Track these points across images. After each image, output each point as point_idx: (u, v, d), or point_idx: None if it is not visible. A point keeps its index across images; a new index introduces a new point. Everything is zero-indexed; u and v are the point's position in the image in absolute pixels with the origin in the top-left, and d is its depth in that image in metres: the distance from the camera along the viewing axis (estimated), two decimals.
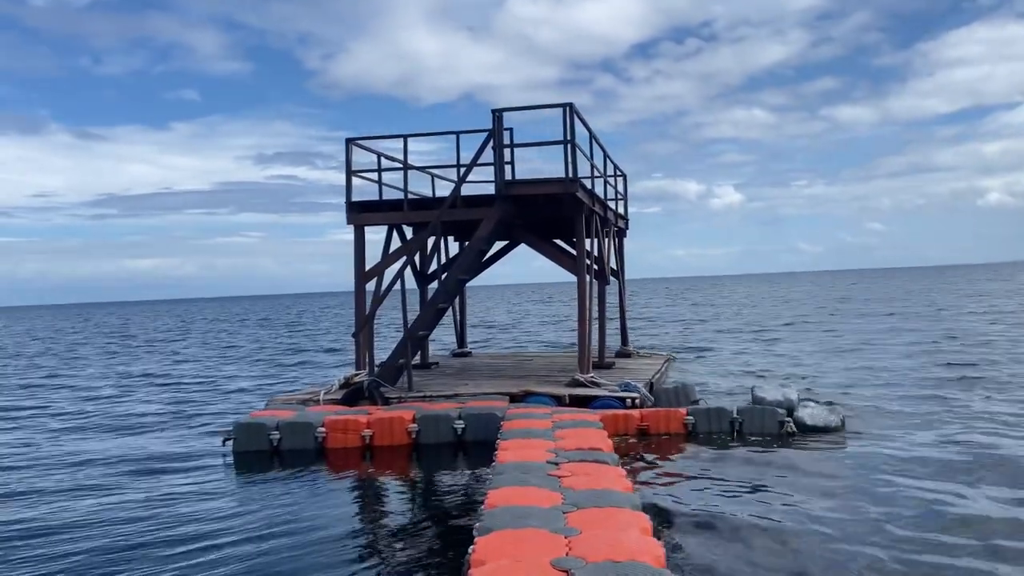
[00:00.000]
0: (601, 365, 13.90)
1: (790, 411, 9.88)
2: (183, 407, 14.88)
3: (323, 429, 9.66)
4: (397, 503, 7.97)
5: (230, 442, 9.77)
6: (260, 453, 9.57)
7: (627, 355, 16.27)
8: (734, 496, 7.23)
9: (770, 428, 9.60)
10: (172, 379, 20.51)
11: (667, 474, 8.17)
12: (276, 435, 9.64)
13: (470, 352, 17.40)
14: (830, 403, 10.45)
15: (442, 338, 21.68)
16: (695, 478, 7.91)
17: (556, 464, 6.78)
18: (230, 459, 9.59)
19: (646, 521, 5.11)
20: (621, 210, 16.48)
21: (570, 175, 11.19)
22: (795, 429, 9.56)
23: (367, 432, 9.65)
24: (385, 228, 13.40)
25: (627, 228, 17.18)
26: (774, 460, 8.54)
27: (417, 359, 14.85)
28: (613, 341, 16.23)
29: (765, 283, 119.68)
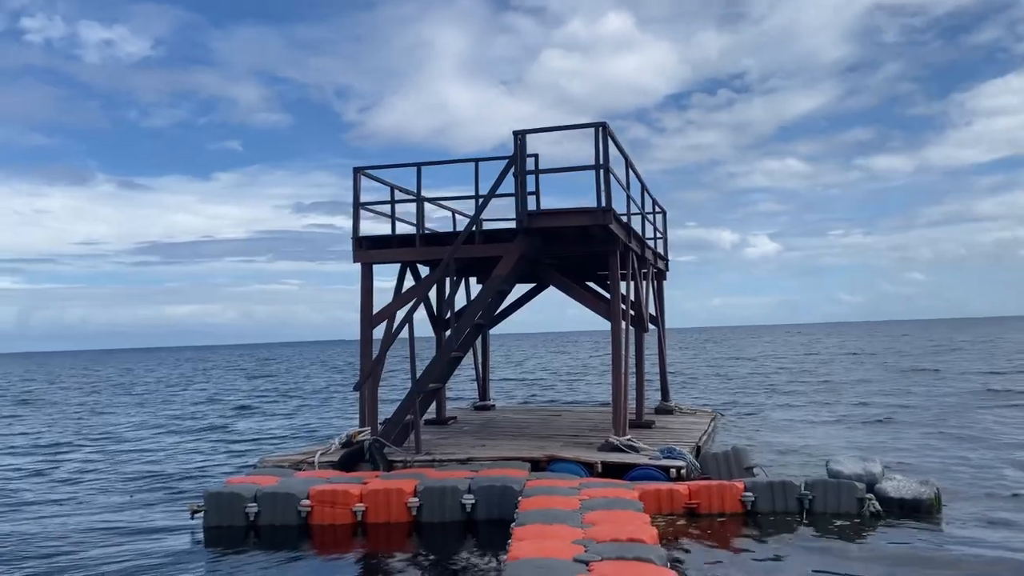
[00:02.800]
0: (639, 424, 12.22)
1: (871, 486, 8.10)
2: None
3: (308, 502, 8.13)
4: None
5: (200, 515, 8.27)
6: (234, 529, 8.07)
7: (668, 411, 14.54)
8: None
9: (847, 506, 7.80)
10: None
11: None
12: (254, 508, 8.13)
13: (493, 405, 15.82)
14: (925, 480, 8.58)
15: (462, 390, 20.11)
16: None
17: (586, 564, 5.17)
18: (200, 535, 8.10)
19: None
20: (661, 249, 14.94)
21: (603, 205, 9.72)
22: (879, 508, 7.75)
23: (359, 507, 8.09)
24: (398, 268, 12.05)
25: (667, 270, 15.60)
26: (857, 550, 6.77)
27: (433, 413, 13.33)
28: (651, 396, 14.52)
29: (806, 334, 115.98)
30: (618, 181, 10.39)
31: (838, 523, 7.62)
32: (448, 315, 12.89)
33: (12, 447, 16.87)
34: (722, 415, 15.88)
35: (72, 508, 9.92)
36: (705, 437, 12.04)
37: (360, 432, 10.78)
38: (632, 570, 4.98)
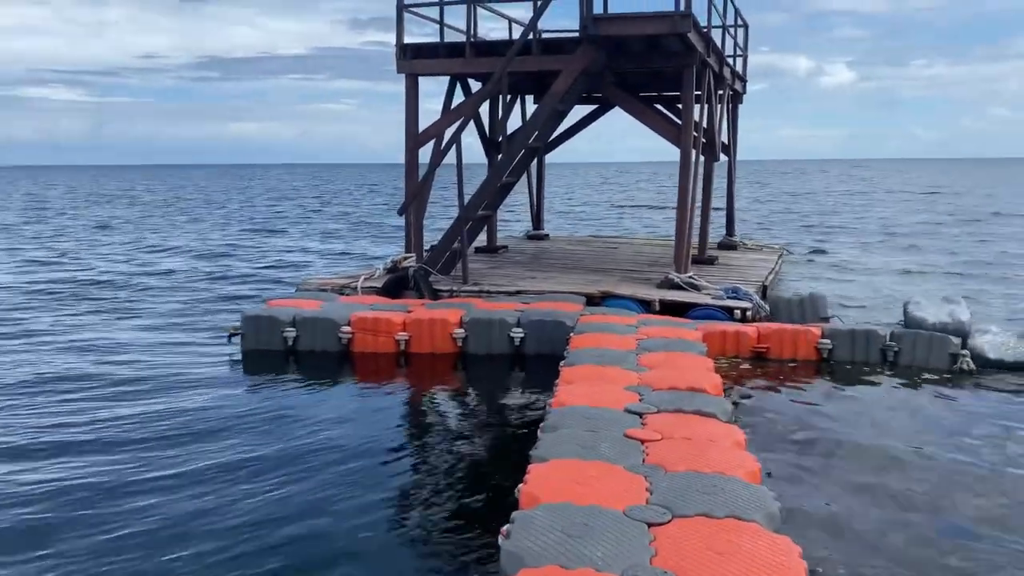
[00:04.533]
0: (701, 260, 11.43)
1: (962, 338, 7.29)
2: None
3: (349, 328, 7.76)
4: (422, 432, 6.04)
5: (237, 338, 8.01)
6: (273, 353, 7.81)
7: (732, 247, 13.69)
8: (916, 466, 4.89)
9: (937, 361, 7.05)
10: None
11: (802, 435, 5.77)
12: (292, 332, 7.81)
13: (547, 235, 15.16)
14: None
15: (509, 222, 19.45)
16: (848, 440, 5.48)
17: (640, 416, 4.61)
18: (238, 357, 7.88)
19: (788, 547, 2.95)
20: (739, 68, 13.40)
21: (681, 9, 8.37)
22: (973, 366, 6.98)
23: (402, 335, 7.69)
24: (447, 81, 11.00)
25: (744, 92, 14.10)
26: (951, 406, 6.12)
27: (483, 241, 12.75)
28: (716, 232, 13.62)
29: (870, 169, 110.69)
30: None
31: (926, 376, 6.91)
32: (501, 138, 11.91)
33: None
34: (790, 252, 14.93)
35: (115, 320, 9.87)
36: (772, 276, 11.24)
37: (406, 258, 10.29)
38: (692, 425, 4.41)
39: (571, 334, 6.96)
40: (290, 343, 7.81)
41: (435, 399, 6.88)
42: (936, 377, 6.87)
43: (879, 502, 4.45)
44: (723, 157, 12.52)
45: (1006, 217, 26.86)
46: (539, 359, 7.40)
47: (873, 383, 6.74)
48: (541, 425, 4.50)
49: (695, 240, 11.03)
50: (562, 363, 5.98)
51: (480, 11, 11.29)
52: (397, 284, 9.31)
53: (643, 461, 3.75)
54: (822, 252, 16.86)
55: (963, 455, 5.16)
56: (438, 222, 19.07)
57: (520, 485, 3.50)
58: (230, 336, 8.10)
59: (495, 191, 9.95)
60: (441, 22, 10.50)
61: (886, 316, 10.15)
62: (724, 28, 11.44)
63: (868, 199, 39.61)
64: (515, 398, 6.78)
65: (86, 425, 5.89)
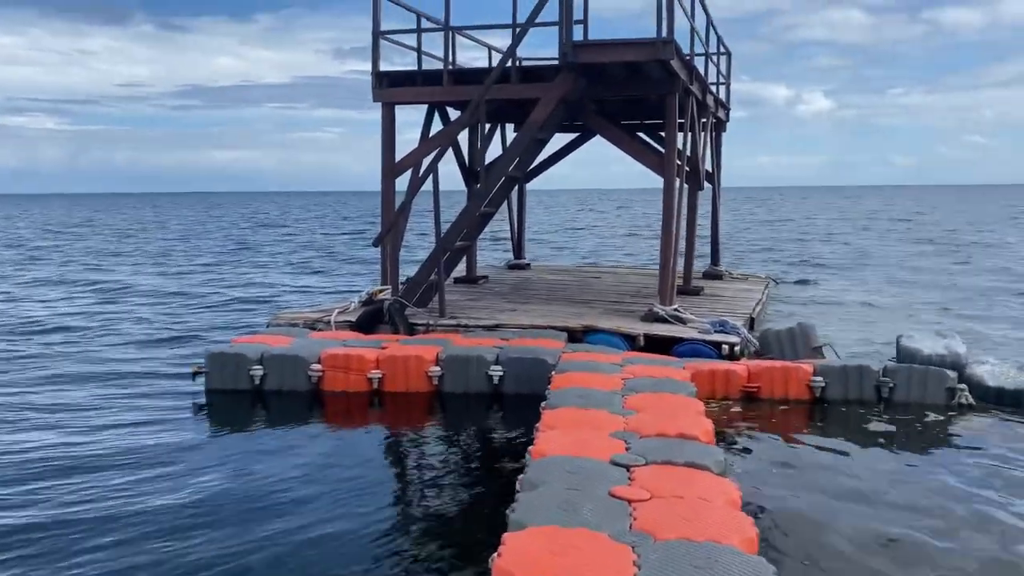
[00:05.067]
0: (687, 290, 11.15)
1: (959, 371, 7.02)
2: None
3: (319, 366, 7.36)
4: (395, 478, 5.64)
5: (201, 377, 7.58)
6: (239, 393, 7.38)
7: (717, 276, 13.45)
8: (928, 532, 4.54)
9: (934, 397, 6.75)
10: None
11: (799, 482, 5.42)
12: (259, 371, 7.39)
13: (528, 264, 14.86)
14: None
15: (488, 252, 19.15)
16: (852, 496, 5.10)
17: (627, 469, 4.26)
18: (202, 399, 7.45)
19: None
20: (723, 96, 13.26)
21: (664, 36, 8.17)
22: (971, 400, 6.70)
23: (375, 373, 7.29)
24: (424, 111, 10.72)
25: (727, 120, 13.96)
26: (951, 446, 5.81)
27: (463, 271, 12.42)
28: (700, 262, 13.37)
29: (852, 197, 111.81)
30: (683, 8, 8.75)
31: (929, 417, 6.56)
32: (480, 167, 11.63)
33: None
34: (776, 282, 14.71)
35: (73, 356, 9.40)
36: (759, 307, 10.98)
37: (382, 290, 9.92)
38: (683, 480, 4.06)
39: (553, 372, 6.62)
40: (257, 382, 7.39)
41: (409, 441, 6.48)
42: (934, 417, 6.55)
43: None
44: (707, 185, 12.31)
45: (985, 246, 26.96)
46: (519, 398, 7.04)
47: (869, 430, 6.31)
48: (520, 479, 4.14)
49: (680, 269, 10.76)
50: (543, 404, 5.62)
51: (462, 40, 11.08)
52: (371, 318, 8.93)
53: (630, 527, 3.39)
54: (808, 282, 16.66)
55: (968, 508, 4.83)
56: (417, 253, 18.72)
57: (494, 556, 3.13)
58: (194, 374, 7.66)
59: (474, 221, 9.64)
60: (419, 50, 10.25)
61: (870, 347, 9.93)
62: (707, 56, 11.30)
63: (850, 225, 39.79)
64: (494, 440, 6.41)
65: (32, 468, 5.48)
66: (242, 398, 7.32)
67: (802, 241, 29.79)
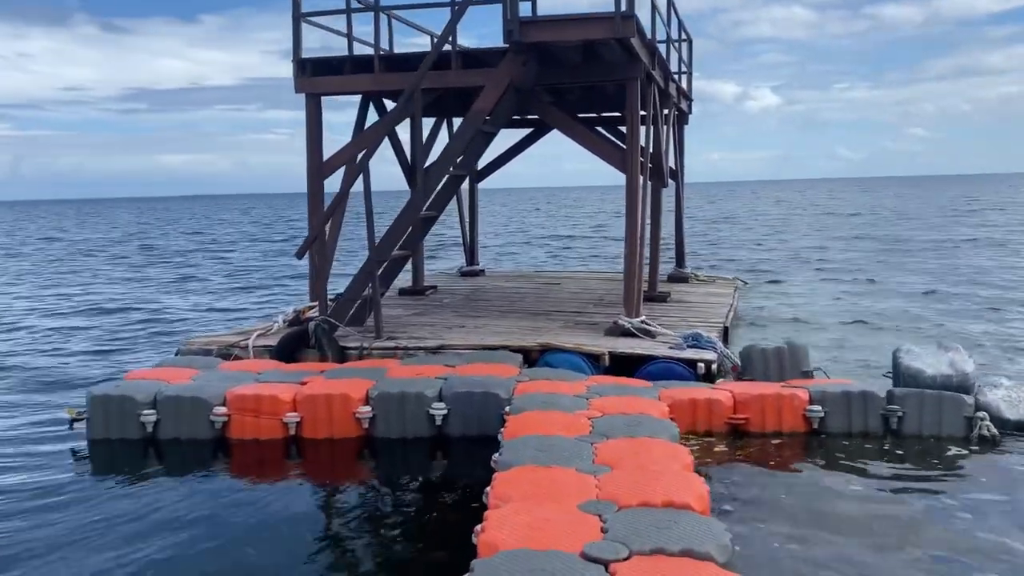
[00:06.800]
0: (652, 297, 10.15)
1: (967, 393, 6.07)
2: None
3: (224, 410, 6.09)
4: (315, 549, 4.43)
5: (81, 424, 6.26)
6: (128, 443, 6.08)
7: (683, 279, 12.48)
8: None
9: (951, 428, 5.76)
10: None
11: (809, 555, 4.35)
12: (151, 416, 6.10)
13: (483, 270, 13.71)
14: None
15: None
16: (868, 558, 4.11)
17: (605, 566, 3.16)
18: (83, 451, 6.13)
19: None
20: (685, 86, 12.26)
21: (623, 10, 7.09)
22: (994, 431, 5.72)
23: (292, 417, 6.06)
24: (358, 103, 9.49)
25: (690, 112, 12.99)
26: (976, 496, 4.84)
27: (409, 280, 11.22)
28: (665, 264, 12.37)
29: (805, 190, 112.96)
30: None
31: (950, 451, 5.57)
32: (419, 166, 10.41)
33: None
34: (744, 283, 13.81)
35: None
36: (731, 314, 10.02)
37: (311, 308, 8.68)
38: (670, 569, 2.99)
39: (506, 410, 5.49)
40: (149, 429, 6.10)
41: (333, 501, 5.31)
42: (955, 451, 5.57)
43: None
44: (671, 183, 11.33)
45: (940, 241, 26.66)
46: (466, 441, 5.90)
47: (880, 473, 5.29)
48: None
49: (645, 274, 9.73)
50: (495, 458, 4.50)
51: (404, 28, 9.89)
52: (295, 342, 7.68)
53: None
54: (780, 282, 15.79)
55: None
56: (355, 265, 17.30)
57: None
58: (72, 422, 6.32)
59: (415, 226, 8.46)
60: (349, 35, 9.02)
61: (854, 354, 9.08)
62: (669, 41, 10.28)
63: (807, 220, 39.49)
64: (435, 500, 5.24)
65: None
66: (132, 449, 6.03)
67: (759, 239, 29.18)
